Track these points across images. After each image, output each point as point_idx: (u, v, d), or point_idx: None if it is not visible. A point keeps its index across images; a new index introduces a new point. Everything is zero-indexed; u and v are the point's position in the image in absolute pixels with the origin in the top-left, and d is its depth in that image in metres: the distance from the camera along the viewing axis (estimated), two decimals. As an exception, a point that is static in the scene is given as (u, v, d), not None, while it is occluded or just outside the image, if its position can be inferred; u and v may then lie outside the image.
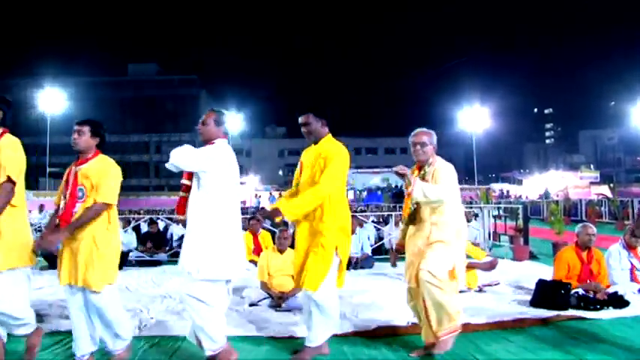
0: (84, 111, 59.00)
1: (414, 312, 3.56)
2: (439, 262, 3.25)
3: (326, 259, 3.20)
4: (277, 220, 3.60)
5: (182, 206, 3.18)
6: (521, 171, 57.31)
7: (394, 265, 3.93)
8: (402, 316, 4.26)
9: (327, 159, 3.26)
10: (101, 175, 3.16)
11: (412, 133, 3.57)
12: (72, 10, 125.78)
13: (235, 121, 48.72)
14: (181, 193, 3.20)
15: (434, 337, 3.31)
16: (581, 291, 4.68)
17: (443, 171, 3.41)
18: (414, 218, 3.48)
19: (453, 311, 3.28)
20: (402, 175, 3.38)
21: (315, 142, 3.45)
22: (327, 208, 3.24)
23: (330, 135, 3.47)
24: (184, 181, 3.18)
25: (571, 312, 4.43)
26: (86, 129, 3.34)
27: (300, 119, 3.43)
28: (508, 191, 37.73)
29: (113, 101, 62.22)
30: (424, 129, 3.60)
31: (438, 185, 3.32)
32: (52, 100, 41.45)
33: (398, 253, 3.82)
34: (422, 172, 3.48)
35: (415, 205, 3.44)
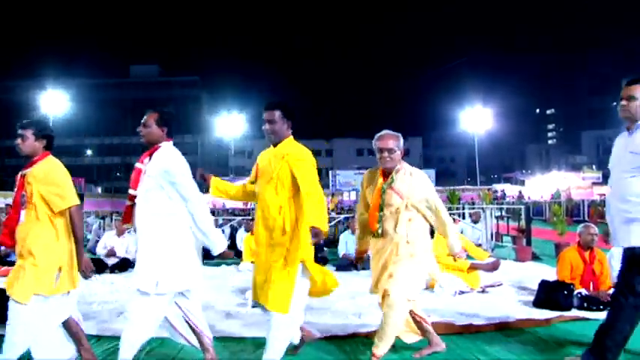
0: (86, 113, 59.67)
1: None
2: (411, 282, 3.15)
3: (291, 276, 2.92)
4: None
5: (130, 215, 3.04)
6: (524, 172, 57.16)
7: (358, 268, 3.83)
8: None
9: (296, 163, 2.97)
10: (46, 181, 2.96)
11: (377, 137, 3.31)
12: (74, 11, 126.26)
13: (237, 122, 48.81)
14: (129, 202, 3.03)
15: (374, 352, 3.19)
16: (584, 291, 4.67)
17: (426, 182, 3.26)
18: (381, 232, 3.26)
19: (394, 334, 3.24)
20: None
21: (275, 144, 3.13)
22: (287, 217, 2.96)
23: (292, 137, 3.17)
24: (133, 192, 3.00)
25: (574, 313, 4.42)
26: (29, 132, 3.08)
27: (265, 115, 3.12)
28: (503, 191, 37.64)
29: (115, 103, 62.41)
30: (390, 132, 3.33)
31: (449, 225, 3.23)
32: (53, 101, 41.55)
33: (358, 262, 3.66)
34: (389, 180, 3.25)
35: (382, 216, 3.23)
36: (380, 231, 3.25)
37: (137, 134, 3.27)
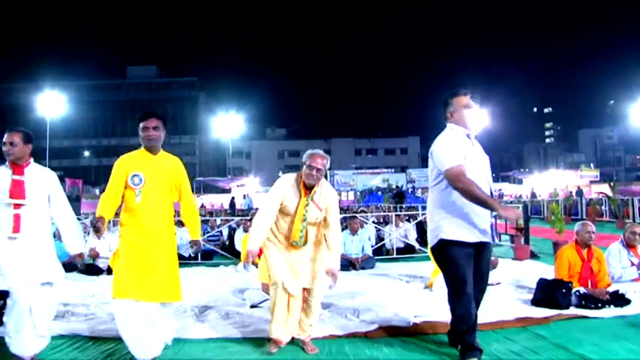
0: (84, 114, 59.58)
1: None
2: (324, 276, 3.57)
3: (177, 271, 3.46)
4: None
5: (19, 223, 3.21)
6: (522, 170, 57.25)
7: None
8: (404, 316, 4.27)
9: (180, 175, 3.53)
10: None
11: (310, 154, 3.47)
12: (71, 13, 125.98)
13: (235, 122, 48.78)
14: (17, 211, 3.20)
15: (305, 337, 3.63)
16: (582, 289, 4.67)
17: (331, 200, 3.57)
18: (303, 241, 3.54)
19: None
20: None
21: (155, 152, 3.46)
22: (170, 219, 3.46)
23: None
24: (21, 201, 3.22)
25: (573, 311, 4.42)
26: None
27: (149, 122, 3.40)
28: (500, 189, 37.74)
29: (113, 104, 62.33)
30: (322, 153, 3.52)
31: (337, 241, 3.59)
32: (51, 103, 41.47)
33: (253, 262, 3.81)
34: (312, 193, 3.48)
35: (304, 227, 3.50)
36: (302, 240, 3.51)
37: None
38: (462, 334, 3.22)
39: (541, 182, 37.75)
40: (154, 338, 3.23)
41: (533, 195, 30.09)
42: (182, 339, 3.84)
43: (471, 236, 3.19)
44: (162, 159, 3.46)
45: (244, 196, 33.09)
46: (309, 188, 3.47)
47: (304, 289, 3.58)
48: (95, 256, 7.70)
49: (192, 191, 3.59)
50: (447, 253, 3.24)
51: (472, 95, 3.34)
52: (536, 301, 4.69)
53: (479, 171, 3.22)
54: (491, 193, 3.27)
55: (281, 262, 3.54)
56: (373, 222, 10.24)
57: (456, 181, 3.10)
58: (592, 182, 35.19)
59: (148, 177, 3.32)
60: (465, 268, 3.18)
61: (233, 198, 31.76)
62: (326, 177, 3.40)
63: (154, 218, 3.31)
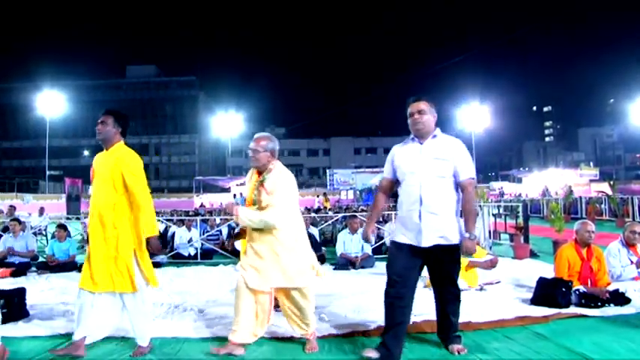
0: (83, 114, 59.52)
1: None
2: (299, 273, 3.44)
3: (129, 263, 3.39)
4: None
5: None
6: (521, 169, 57.27)
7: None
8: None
9: (122, 168, 3.39)
10: None
11: (253, 138, 3.57)
12: (71, 13, 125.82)
13: (234, 121, 48.77)
14: None
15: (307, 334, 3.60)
16: (582, 288, 4.67)
17: (277, 184, 3.39)
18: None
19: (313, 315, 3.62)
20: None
21: (107, 148, 3.51)
22: (119, 214, 3.40)
23: (122, 142, 3.56)
24: None
25: (572, 310, 4.43)
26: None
27: (100, 118, 3.52)
28: (502, 189, 37.71)
29: (112, 104, 62.03)
30: (263, 134, 3.61)
31: (265, 212, 3.34)
32: (51, 103, 41.43)
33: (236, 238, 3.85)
34: (261, 178, 3.46)
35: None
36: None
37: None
38: (383, 332, 3.34)
39: (540, 181, 37.71)
40: (95, 324, 3.49)
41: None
42: (182, 338, 3.84)
43: (404, 238, 3.29)
44: (110, 153, 3.50)
45: (234, 195, 32.76)
46: (260, 173, 3.51)
47: (282, 290, 3.50)
48: None
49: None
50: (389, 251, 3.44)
51: (418, 99, 3.34)
52: (535, 300, 4.70)
53: (412, 180, 3.28)
54: (421, 200, 3.21)
55: (244, 256, 3.56)
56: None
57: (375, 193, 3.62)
58: (592, 181, 35.22)
59: (97, 171, 3.49)
60: (392, 268, 3.34)
61: (235, 196, 31.67)
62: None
63: (97, 211, 3.43)
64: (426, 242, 3.20)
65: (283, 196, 3.37)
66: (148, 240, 3.43)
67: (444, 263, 3.33)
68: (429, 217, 3.20)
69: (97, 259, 3.38)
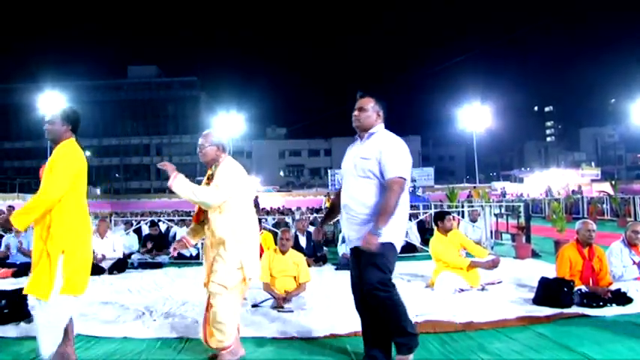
0: (85, 114, 59.17)
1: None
2: (225, 271, 3.25)
3: (52, 266, 3.03)
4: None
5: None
6: (523, 169, 57.23)
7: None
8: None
9: (52, 164, 3.14)
10: None
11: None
12: (71, 13, 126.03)
13: (236, 122, 48.79)
14: None
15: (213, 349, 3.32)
16: (584, 288, 4.67)
17: (222, 172, 3.33)
18: (204, 221, 3.41)
19: (231, 327, 3.29)
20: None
21: (55, 145, 3.30)
22: (54, 213, 3.07)
23: (71, 140, 3.31)
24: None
25: (574, 309, 4.42)
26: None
27: (47, 117, 3.33)
28: (504, 188, 37.71)
29: (113, 104, 62.37)
30: (206, 131, 3.54)
31: (209, 187, 3.26)
32: (52, 103, 41.43)
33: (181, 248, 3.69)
34: (210, 172, 3.43)
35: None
36: (204, 220, 3.41)
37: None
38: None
39: (542, 181, 37.70)
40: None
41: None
42: (184, 337, 3.85)
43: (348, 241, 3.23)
44: (54, 152, 3.27)
45: None
46: (211, 167, 3.46)
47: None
48: (101, 260, 7.66)
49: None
50: None
51: (362, 96, 3.23)
52: (537, 300, 4.69)
53: (346, 174, 3.23)
54: (346, 201, 3.15)
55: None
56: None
57: None
58: (593, 181, 35.20)
59: (44, 170, 3.24)
60: (350, 271, 3.31)
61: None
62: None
63: None
64: (351, 244, 3.16)
65: (229, 183, 3.27)
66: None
67: (357, 265, 3.15)
68: (350, 218, 3.12)
69: (34, 261, 3.13)
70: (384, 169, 3.00)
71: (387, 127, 3.36)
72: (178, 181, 3.20)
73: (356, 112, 3.20)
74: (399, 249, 3.12)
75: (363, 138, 3.20)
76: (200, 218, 3.48)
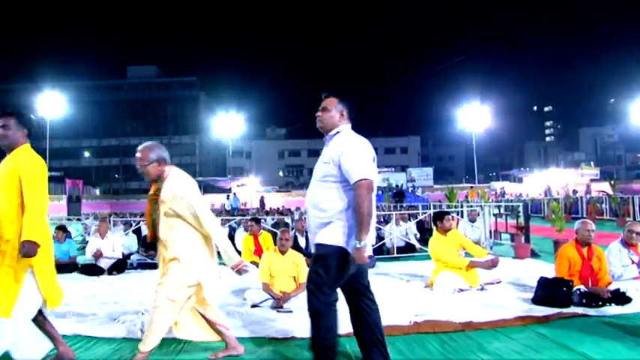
0: (84, 115, 59.65)
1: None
2: (173, 285, 3.17)
3: (17, 281, 2.88)
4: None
5: None
6: (522, 169, 57.24)
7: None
8: (404, 315, 4.27)
9: (23, 172, 2.95)
10: None
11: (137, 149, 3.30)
12: (71, 13, 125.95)
13: (235, 122, 48.79)
14: None
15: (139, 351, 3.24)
16: (583, 288, 4.67)
17: (186, 188, 3.19)
18: (156, 238, 3.30)
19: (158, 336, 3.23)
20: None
21: (9, 151, 3.08)
22: (15, 224, 2.91)
23: (28, 145, 3.13)
24: None
25: (574, 309, 4.42)
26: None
27: (0, 121, 3.07)
28: (503, 188, 37.70)
29: (113, 104, 62.36)
30: (147, 144, 3.30)
31: (215, 230, 3.21)
32: (51, 104, 41.50)
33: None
34: (155, 189, 3.25)
35: (154, 222, 3.25)
36: (155, 236, 3.28)
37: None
38: None
39: (541, 181, 37.70)
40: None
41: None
42: (183, 339, 3.84)
43: None
44: (10, 158, 3.07)
45: (228, 196, 32.66)
46: (156, 182, 3.29)
47: None
48: (99, 256, 7.71)
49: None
50: None
51: (327, 96, 3.13)
52: (537, 300, 4.70)
53: (312, 177, 3.12)
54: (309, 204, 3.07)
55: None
56: (374, 221, 10.24)
57: None
58: (592, 181, 35.18)
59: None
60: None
61: (228, 197, 31.78)
62: None
63: None
64: (312, 248, 3.06)
65: (198, 199, 3.19)
66: (23, 243, 2.82)
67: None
68: (310, 222, 3.03)
69: None
70: (346, 174, 2.86)
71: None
72: (230, 257, 3.24)
73: (319, 113, 3.11)
74: (356, 254, 2.77)
75: (327, 140, 3.11)
76: (152, 236, 3.33)
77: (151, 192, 3.28)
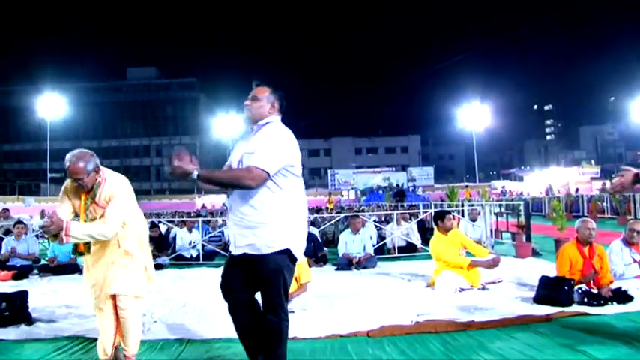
0: (84, 116, 59.65)
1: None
2: (133, 280, 3.12)
3: None
4: None
5: None
6: (523, 168, 57.24)
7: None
8: (406, 315, 4.27)
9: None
10: None
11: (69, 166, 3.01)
12: (71, 14, 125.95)
13: (235, 122, 48.77)
14: None
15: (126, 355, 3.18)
16: (584, 287, 4.67)
17: (113, 194, 3.10)
18: (89, 248, 3.17)
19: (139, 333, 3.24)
20: None
21: None
22: None
23: None
24: None
25: (575, 308, 4.42)
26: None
27: None
28: (504, 187, 37.69)
29: (113, 106, 62.34)
30: (77, 155, 3.04)
31: (101, 224, 2.97)
32: (51, 105, 41.53)
33: None
34: (91, 196, 3.10)
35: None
36: (89, 247, 3.15)
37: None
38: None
39: (542, 179, 37.69)
40: None
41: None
42: (185, 339, 3.85)
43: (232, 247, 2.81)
44: None
45: (228, 196, 32.57)
46: (89, 191, 3.11)
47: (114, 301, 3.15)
48: None
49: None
50: None
51: (258, 85, 2.94)
52: (538, 299, 4.69)
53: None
54: (230, 201, 2.87)
55: (87, 274, 3.27)
56: (374, 221, 10.25)
57: None
58: (593, 179, 35.19)
59: None
60: (222, 277, 2.85)
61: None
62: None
63: None
64: (236, 250, 2.72)
65: (119, 205, 3.09)
66: None
67: (258, 278, 2.71)
68: (237, 221, 2.73)
69: None
70: (252, 156, 2.63)
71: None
72: (77, 231, 2.88)
73: (248, 102, 2.85)
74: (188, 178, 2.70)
75: (254, 130, 2.83)
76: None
77: (87, 197, 3.11)
